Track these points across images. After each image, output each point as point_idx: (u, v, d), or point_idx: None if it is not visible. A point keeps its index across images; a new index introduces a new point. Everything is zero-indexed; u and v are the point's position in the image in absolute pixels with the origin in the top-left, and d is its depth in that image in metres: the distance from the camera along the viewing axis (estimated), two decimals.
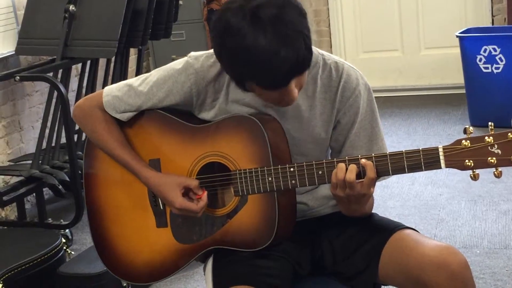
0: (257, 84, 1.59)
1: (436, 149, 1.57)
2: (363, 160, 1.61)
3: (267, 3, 1.54)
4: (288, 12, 1.54)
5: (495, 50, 4.42)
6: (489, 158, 1.52)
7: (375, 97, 1.84)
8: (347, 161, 1.63)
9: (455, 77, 5.19)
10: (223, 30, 1.56)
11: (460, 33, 4.62)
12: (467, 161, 1.54)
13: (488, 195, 3.57)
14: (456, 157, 1.55)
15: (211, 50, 1.81)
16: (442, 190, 3.71)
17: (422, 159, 1.57)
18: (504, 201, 3.49)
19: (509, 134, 1.51)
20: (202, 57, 1.79)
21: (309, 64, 1.59)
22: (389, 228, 1.74)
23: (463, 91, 4.75)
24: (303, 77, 1.63)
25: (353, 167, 1.60)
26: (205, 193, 1.74)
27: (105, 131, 1.83)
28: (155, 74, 1.83)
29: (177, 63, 1.81)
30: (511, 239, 3.07)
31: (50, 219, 3.54)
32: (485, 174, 3.79)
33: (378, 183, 3.94)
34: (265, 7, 1.53)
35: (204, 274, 1.84)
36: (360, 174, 1.61)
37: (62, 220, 3.52)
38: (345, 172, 1.61)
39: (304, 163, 1.66)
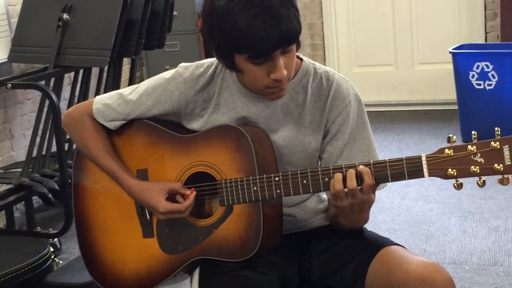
0: (244, 53, 1.60)
1: (419, 157, 1.56)
2: (360, 167, 1.59)
3: None
4: None
5: (487, 66, 4.44)
6: (472, 167, 1.52)
7: (368, 111, 1.84)
8: (344, 168, 1.61)
9: (448, 92, 5.21)
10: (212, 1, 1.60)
11: (453, 49, 4.64)
12: (450, 169, 1.54)
13: (478, 212, 3.57)
14: (439, 166, 1.55)
15: (201, 61, 1.83)
16: (433, 205, 3.71)
17: (405, 168, 1.57)
18: (494, 217, 3.49)
19: (492, 143, 1.51)
20: (192, 67, 1.81)
21: (296, 36, 1.61)
22: (376, 244, 1.73)
23: (456, 107, 4.77)
24: (291, 57, 1.64)
25: (352, 173, 1.58)
26: (194, 192, 1.74)
27: (93, 139, 1.84)
28: (146, 83, 1.85)
29: (167, 73, 1.83)
30: (501, 256, 3.07)
31: (38, 227, 3.53)
32: (476, 190, 3.80)
33: None
34: None
35: (191, 286, 1.83)
36: (358, 180, 1.59)
37: (50, 229, 3.51)
38: (341, 182, 1.59)
39: (289, 173, 1.66)
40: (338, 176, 1.60)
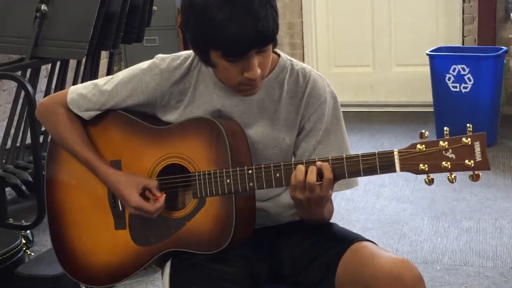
0: (218, 49, 1.59)
1: (392, 152, 1.57)
2: (319, 162, 1.61)
3: None
4: None
5: (464, 69, 4.48)
6: (444, 163, 1.53)
7: (345, 111, 1.85)
8: (304, 163, 1.63)
9: (425, 95, 5.25)
10: None
11: (431, 51, 4.68)
12: (421, 165, 1.55)
13: (451, 212, 3.60)
14: (411, 161, 1.56)
15: (178, 53, 1.83)
16: (406, 205, 3.74)
17: (377, 162, 1.58)
18: (466, 218, 3.52)
19: (463, 139, 1.53)
20: (169, 59, 1.80)
21: (272, 38, 1.60)
22: (347, 240, 1.74)
23: (432, 109, 4.81)
24: (266, 57, 1.63)
25: (313, 169, 1.60)
26: (163, 196, 1.73)
27: (67, 129, 1.83)
28: (121, 73, 1.84)
29: (144, 64, 1.83)
30: (471, 256, 3.10)
31: (11, 219, 3.50)
32: (449, 191, 3.83)
33: (343, 196, 3.95)
34: None
35: (162, 279, 1.83)
36: (318, 176, 1.61)
37: (23, 221, 3.48)
38: (304, 173, 1.60)
39: (262, 165, 1.66)
40: (301, 167, 1.61)
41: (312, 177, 1.60)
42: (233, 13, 1.54)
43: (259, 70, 1.62)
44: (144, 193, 1.75)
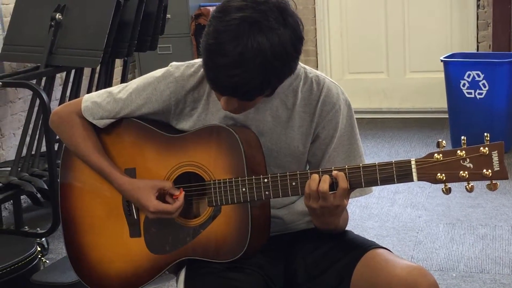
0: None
1: (409, 161, 1.57)
2: (335, 172, 1.61)
3: (266, 27, 1.52)
4: (274, 48, 1.53)
5: (478, 75, 4.46)
6: (461, 172, 1.53)
7: (359, 118, 1.84)
8: (320, 172, 1.63)
9: (439, 101, 5.23)
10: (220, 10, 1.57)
11: (445, 57, 4.66)
12: (439, 174, 1.54)
13: (467, 219, 3.58)
14: (428, 170, 1.55)
15: (193, 61, 1.83)
16: (421, 212, 3.72)
17: (394, 172, 1.58)
18: (482, 225, 3.50)
19: (481, 148, 1.52)
20: (183, 67, 1.80)
21: (250, 98, 1.60)
22: (362, 247, 1.73)
23: (446, 115, 4.78)
24: (245, 103, 1.63)
25: (326, 178, 1.60)
26: (182, 193, 1.73)
27: (82, 138, 1.83)
28: (135, 81, 1.85)
29: (158, 71, 1.83)
30: (488, 264, 3.08)
31: (26, 227, 3.52)
32: (465, 198, 3.80)
33: (357, 203, 3.93)
34: (263, 31, 1.52)
35: (177, 286, 1.83)
36: (333, 185, 1.61)
37: (38, 229, 3.50)
38: (318, 182, 1.60)
39: (278, 174, 1.66)
40: (315, 176, 1.61)
41: (324, 186, 1.60)
42: (221, 62, 1.53)
43: (227, 107, 1.63)
44: (161, 195, 1.75)
